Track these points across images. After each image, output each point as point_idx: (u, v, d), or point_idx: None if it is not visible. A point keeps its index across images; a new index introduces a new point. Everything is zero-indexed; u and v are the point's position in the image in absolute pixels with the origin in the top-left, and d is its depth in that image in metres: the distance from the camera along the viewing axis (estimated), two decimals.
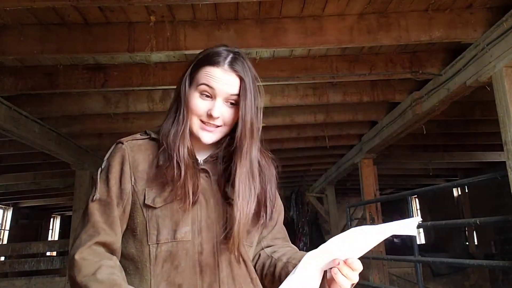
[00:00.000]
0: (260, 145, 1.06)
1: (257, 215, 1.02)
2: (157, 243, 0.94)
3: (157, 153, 1.01)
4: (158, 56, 3.15)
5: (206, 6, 2.56)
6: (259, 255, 1.10)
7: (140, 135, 1.06)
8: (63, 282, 5.24)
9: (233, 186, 0.99)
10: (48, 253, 9.16)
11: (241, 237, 0.96)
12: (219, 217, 0.99)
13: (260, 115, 1.05)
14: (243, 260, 1.00)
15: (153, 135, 1.05)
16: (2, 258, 7.83)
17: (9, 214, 10.10)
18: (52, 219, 12.55)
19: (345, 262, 0.84)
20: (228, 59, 1.00)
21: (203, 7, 2.57)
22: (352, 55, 3.34)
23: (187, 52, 2.81)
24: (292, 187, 9.65)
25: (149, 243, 0.94)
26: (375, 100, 3.92)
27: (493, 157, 6.37)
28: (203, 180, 1.01)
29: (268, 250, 1.09)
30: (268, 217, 1.05)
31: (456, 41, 2.86)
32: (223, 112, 0.99)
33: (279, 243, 1.11)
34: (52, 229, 12.64)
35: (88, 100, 3.76)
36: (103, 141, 4.88)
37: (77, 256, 0.90)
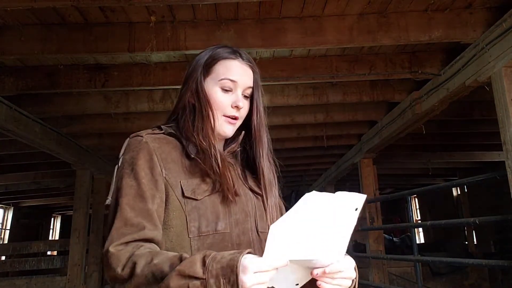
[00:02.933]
0: None
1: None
2: (199, 236, 0.91)
3: (181, 147, 0.98)
4: (158, 56, 3.16)
5: (206, 6, 2.57)
6: None
7: (152, 130, 1.00)
8: (63, 282, 5.24)
9: (259, 176, 1.04)
10: (48, 253, 9.18)
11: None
12: (249, 209, 1.00)
13: None
14: None
15: (169, 131, 1.00)
16: (3, 258, 7.84)
17: (10, 213, 10.11)
18: (52, 219, 12.56)
19: (324, 272, 0.78)
20: (239, 52, 1.04)
21: (203, 7, 2.58)
22: (351, 55, 3.35)
23: (187, 52, 2.82)
24: (292, 186, 9.65)
25: (189, 236, 0.91)
26: (374, 100, 3.93)
27: (492, 157, 6.37)
28: (233, 173, 1.01)
29: None
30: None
31: (455, 41, 2.87)
32: (244, 104, 1.03)
33: None
34: (53, 229, 12.66)
35: (88, 100, 3.77)
36: (104, 141, 4.89)
37: (112, 248, 0.82)
